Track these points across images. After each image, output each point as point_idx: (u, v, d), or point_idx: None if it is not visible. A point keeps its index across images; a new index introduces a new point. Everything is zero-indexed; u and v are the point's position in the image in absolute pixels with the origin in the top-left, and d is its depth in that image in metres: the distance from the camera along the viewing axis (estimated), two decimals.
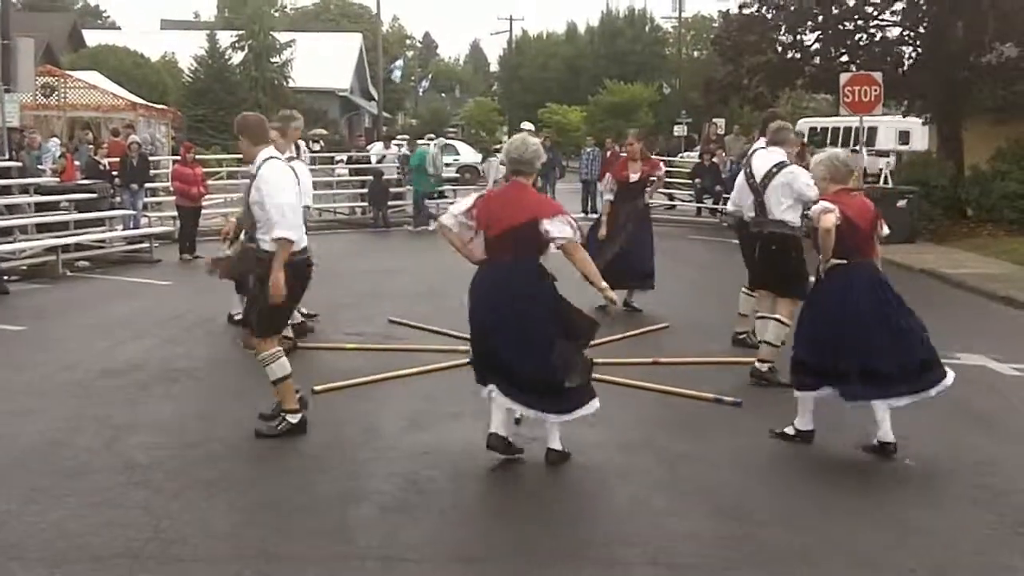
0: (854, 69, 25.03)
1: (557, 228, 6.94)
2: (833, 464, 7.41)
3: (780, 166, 9.94)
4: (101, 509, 6.21)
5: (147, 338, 11.38)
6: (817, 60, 26.63)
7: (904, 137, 32.70)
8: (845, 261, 7.54)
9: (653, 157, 14.32)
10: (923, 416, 8.58)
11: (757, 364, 9.71)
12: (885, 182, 27.30)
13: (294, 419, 7.76)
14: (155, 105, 33.44)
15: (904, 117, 30.65)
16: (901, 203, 22.30)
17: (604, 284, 7.15)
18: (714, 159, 28.31)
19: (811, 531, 6.05)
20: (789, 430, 7.84)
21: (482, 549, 5.75)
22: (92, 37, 54.34)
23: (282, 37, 52.43)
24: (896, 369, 7.45)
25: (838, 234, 7.43)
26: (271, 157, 7.74)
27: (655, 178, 13.64)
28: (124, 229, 20.26)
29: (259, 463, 7.19)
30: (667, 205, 29.64)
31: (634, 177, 13.19)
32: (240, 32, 50.79)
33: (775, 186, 9.89)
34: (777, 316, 9.75)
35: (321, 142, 32.20)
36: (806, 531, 6.05)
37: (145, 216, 22.05)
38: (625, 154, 13.81)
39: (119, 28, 71.80)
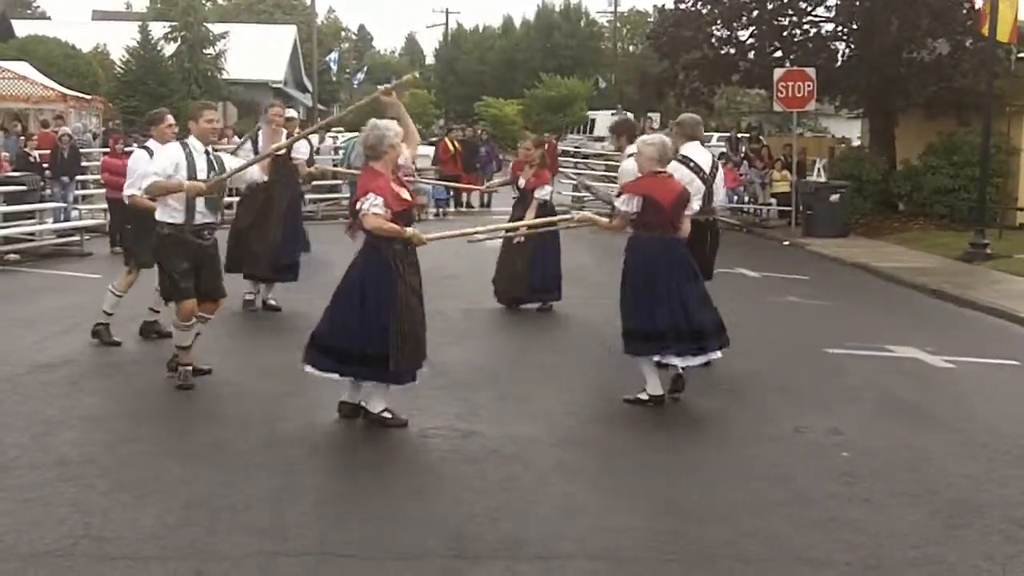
0: (788, 64, 25.29)
1: (365, 204, 7.40)
2: (767, 459, 7.44)
3: (719, 159, 10.23)
4: (31, 506, 6.10)
5: (77, 333, 11.17)
6: (752, 56, 26.82)
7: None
8: (649, 235, 8.43)
9: (546, 171, 12.97)
10: (857, 409, 8.71)
11: None
12: (819, 176, 27.58)
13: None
14: (85, 96, 32.91)
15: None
16: (834, 197, 22.59)
17: (408, 231, 7.61)
18: None
19: (745, 526, 6.07)
20: (643, 395, 8.49)
21: (419, 545, 5.71)
22: (22, 27, 53.23)
23: (215, 28, 51.80)
24: (672, 330, 8.30)
25: (645, 211, 8.37)
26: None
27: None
28: (54, 222, 19.94)
29: (192, 460, 7.08)
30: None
31: (521, 183, 12.70)
32: (173, 23, 50.14)
33: (719, 178, 10.29)
34: None
35: None
36: (740, 526, 6.07)
37: (76, 209, 21.69)
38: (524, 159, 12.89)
39: (49, 18, 70.41)
